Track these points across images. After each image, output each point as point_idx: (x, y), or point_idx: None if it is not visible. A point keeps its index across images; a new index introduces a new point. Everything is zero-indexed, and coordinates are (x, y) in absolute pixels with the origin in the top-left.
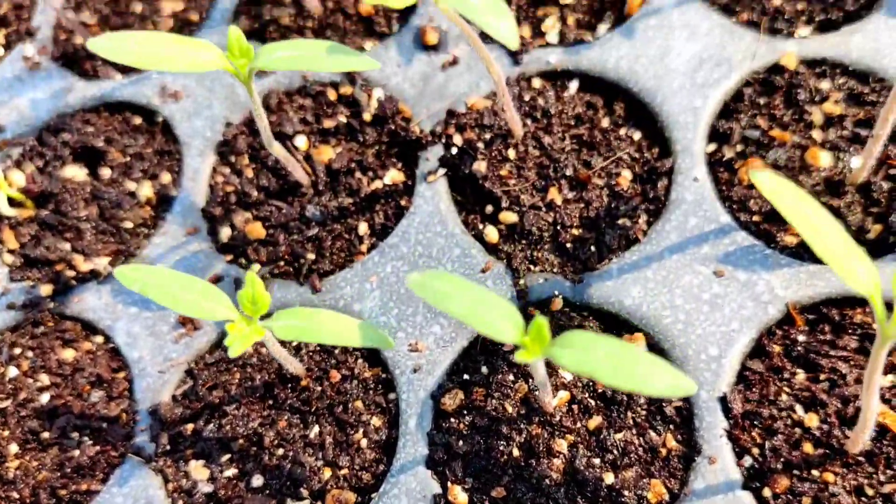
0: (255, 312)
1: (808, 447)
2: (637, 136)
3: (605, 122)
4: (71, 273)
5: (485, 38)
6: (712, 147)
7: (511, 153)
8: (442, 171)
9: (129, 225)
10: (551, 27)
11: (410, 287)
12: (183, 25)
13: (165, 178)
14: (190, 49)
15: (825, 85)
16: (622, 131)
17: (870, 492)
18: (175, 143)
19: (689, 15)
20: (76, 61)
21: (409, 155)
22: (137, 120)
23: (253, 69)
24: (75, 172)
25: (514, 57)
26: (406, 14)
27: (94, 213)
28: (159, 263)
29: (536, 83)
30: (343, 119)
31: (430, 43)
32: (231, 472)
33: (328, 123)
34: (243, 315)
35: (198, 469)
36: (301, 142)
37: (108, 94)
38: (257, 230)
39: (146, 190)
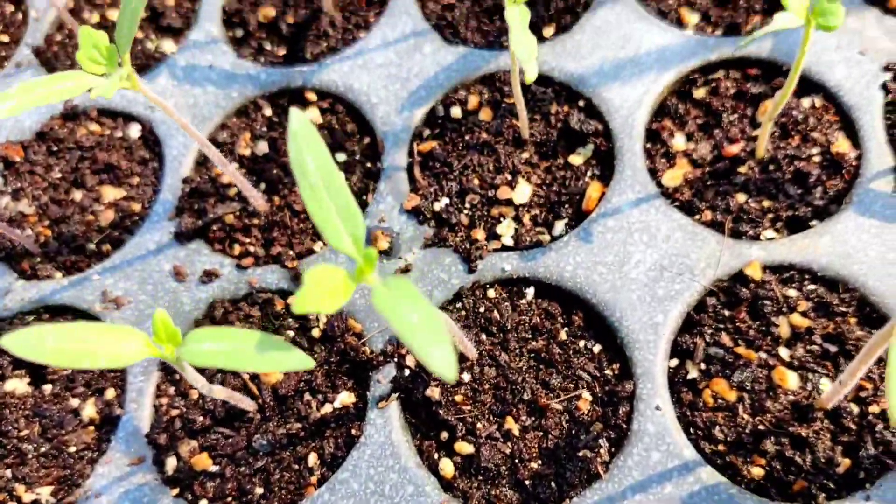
0: None
1: None
2: (597, 349)
3: (564, 335)
4: None
5: (441, 239)
6: (675, 362)
7: (466, 376)
8: (394, 395)
9: (72, 448)
10: (507, 228)
11: None
12: (125, 216)
13: (109, 393)
14: (113, 340)
15: (792, 293)
16: (581, 343)
17: None
18: None
19: (649, 215)
20: (14, 258)
21: (361, 375)
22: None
23: (181, 358)
24: (16, 385)
25: (469, 265)
26: None
27: (36, 432)
28: (104, 496)
29: (492, 293)
30: (291, 334)
31: (381, 249)
32: None
33: None
34: None
35: None
36: None
37: (48, 296)
38: (203, 461)
39: (89, 409)
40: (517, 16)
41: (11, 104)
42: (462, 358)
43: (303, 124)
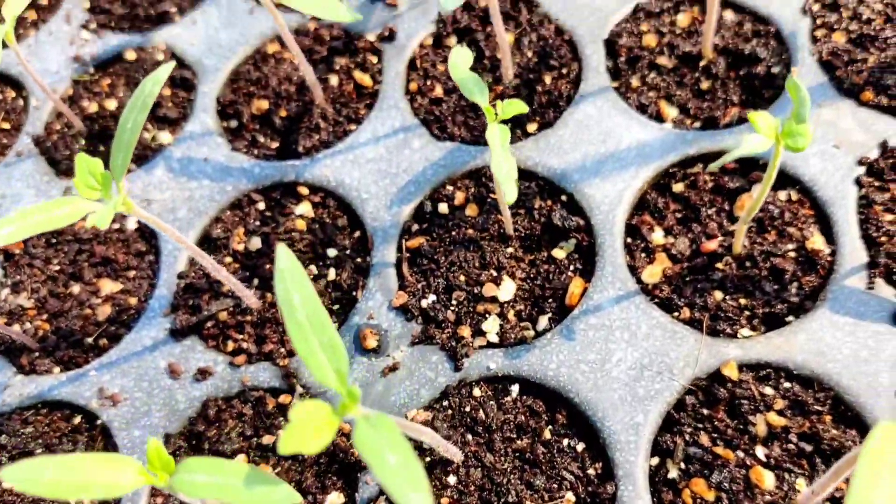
0: None
1: None
2: (580, 447)
3: (548, 433)
4: None
5: (428, 336)
6: (655, 461)
7: (451, 479)
8: (382, 497)
9: None
10: (492, 325)
11: None
12: (121, 310)
13: None
14: (108, 470)
15: (769, 391)
16: (565, 442)
17: None
18: (115, 450)
19: (629, 312)
20: (13, 352)
21: (349, 476)
22: (77, 419)
23: (173, 488)
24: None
25: (456, 363)
26: (346, 308)
27: None
28: None
29: (477, 391)
30: (281, 434)
31: (369, 347)
32: None
33: (267, 439)
34: None
35: None
36: (240, 460)
37: (46, 392)
38: None
39: None
40: (497, 135)
41: (10, 230)
42: (447, 462)
43: (290, 262)
